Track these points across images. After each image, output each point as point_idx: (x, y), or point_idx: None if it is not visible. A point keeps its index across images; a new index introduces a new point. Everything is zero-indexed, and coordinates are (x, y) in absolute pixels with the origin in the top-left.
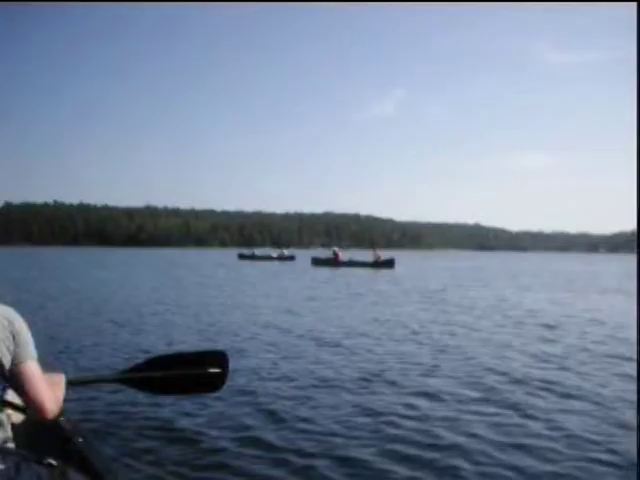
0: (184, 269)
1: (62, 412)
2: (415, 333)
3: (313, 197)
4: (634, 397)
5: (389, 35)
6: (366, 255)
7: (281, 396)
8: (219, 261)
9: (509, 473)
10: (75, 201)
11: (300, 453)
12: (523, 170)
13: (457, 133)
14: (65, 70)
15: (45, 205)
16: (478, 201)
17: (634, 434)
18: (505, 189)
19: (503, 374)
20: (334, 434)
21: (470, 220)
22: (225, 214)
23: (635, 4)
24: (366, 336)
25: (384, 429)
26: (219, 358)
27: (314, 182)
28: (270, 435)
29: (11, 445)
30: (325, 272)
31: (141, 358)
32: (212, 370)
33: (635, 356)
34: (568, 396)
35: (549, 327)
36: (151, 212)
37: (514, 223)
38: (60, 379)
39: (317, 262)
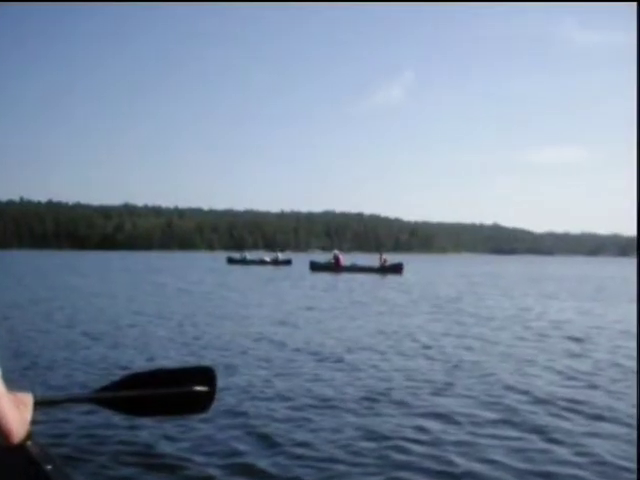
0: (166, 275)
1: (29, 435)
2: (426, 347)
3: (311, 194)
4: None
5: (395, 13)
6: (371, 259)
7: (275, 418)
8: (206, 266)
9: None
10: (44, 199)
11: None
12: (548, 165)
13: (474, 123)
14: (29, 56)
15: (10, 203)
16: (497, 199)
17: None
18: (527, 186)
19: (524, 393)
20: (335, 460)
21: (487, 220)
22: (213, 213)
23: (635, 4)
24: (370, 350)
25: (391, 455)
26: (206, 375)
27: (312, 178)
28: (263, 462)
29: None
30: (325, 278)
31: (118, 375)
32: (198, 388)
33: None
34: (598, 418)
35: (576, 340)
36: (129, 211)
37: (537, 224)
38: (27, 399)
39: (316, 267)
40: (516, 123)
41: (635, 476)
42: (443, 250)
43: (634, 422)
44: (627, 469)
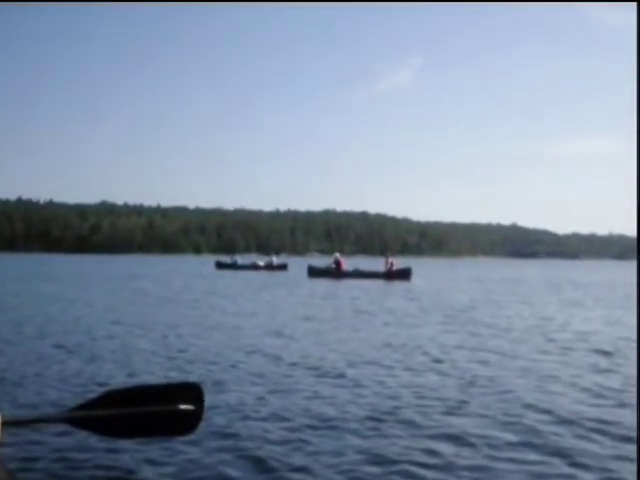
0: (148, 281)
1: None
2: (437, 361)
3: (310, 191)
4: None
5: None
6: (376, 263)
7: (270, 439)
8: (192, 271)
9: None
10: (12, 196)
11: None
12: (574, 158)
13: (491, 112)
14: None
15: None
16: (516, 197)
17: None
18: (550, 182)
19: (547, 412)
20: None
21: (506, 220)
22: (199, 212)
23: (635, 4)
24: (376, 365)
25: None
26: (192, 392)
27: (311, 173)
28: None
29: None
30: (324, 285)
31: (95, 392)
32: (184, 407)
33: None
34: (628, 440)
35: (604, 353)
36: (107, 210)
37: (560, 224)
38: None
39: (315, 272)
40: (539, 111)
41: (635, 477)
42: (456, 253)
43: None
44: None
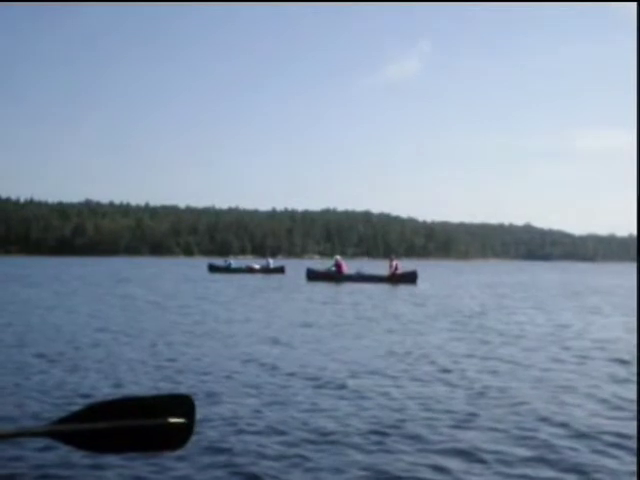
0: (136, 285)
1: None
2: (445, 371)
3: (308, 189)
4: None
5: None
6: (379, 266)
7: (265, 455)
8: (183, 274)
9: None
10: None
11: None
12: (591, 154)
13: (503, 102)
14: None
15: None
16: (530, 195)
17: None
18: (566, 179)
19: (562, 425)
20: None
21: (518, 220)
22: (191, 211)
23: (635, 4)
24: (379, 375)
25: None
26: (183, 404)
27: (310, 169)
28: None
29: None
30: (324, 289)
31: (78, 404)
32: (173, 420)
33: None
34: None
35: (624, 363)
36: (91, 209)
37: (577, 224)
38: None
39: (314, 276)
40: (558, 101)
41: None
42: (465, 255)
43: None
44: None
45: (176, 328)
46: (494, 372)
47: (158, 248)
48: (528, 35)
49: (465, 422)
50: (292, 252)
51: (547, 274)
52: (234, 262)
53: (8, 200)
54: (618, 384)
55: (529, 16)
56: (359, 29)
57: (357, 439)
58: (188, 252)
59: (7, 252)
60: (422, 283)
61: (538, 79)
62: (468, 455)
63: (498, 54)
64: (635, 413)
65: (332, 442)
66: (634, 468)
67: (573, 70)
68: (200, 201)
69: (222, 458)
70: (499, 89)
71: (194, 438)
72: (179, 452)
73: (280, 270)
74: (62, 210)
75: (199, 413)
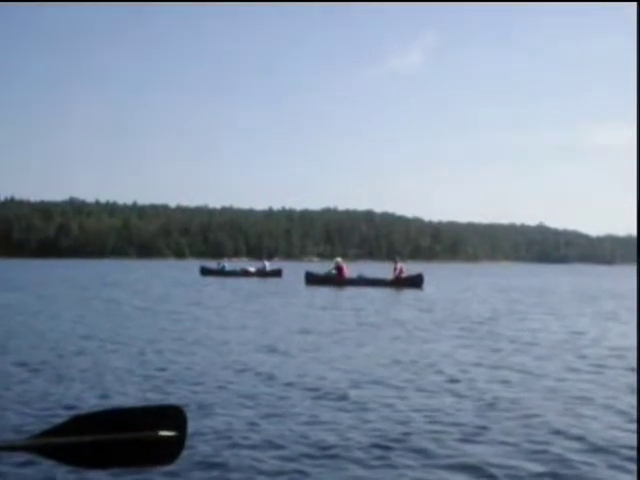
0: (123, 289)
1: None
2: (452, 381)
3: (307, 188)
4: None
5: None
6: (383, 269)
7: (262, 470)
8: (173, 277)
9: None
10: None
11: None
12: (609, 150)
13: (515, 95)
14: None
15: None
16: (543, 194)
17: None
18: (582, 177)
19: (577, 439)
20: None
21: (531, 220)
22: (182, 211)
23: (635, 4)
24: (383, 385)
25: None
26: (173, 416)
27: (308, 166)
28: None
29: None
30: (324, 293)
31: (62, 417)
32: (164, 433)
33: None
34: None
35: None
36: (76, 208)
37: (593, 224)
38: None
39: (313, 279)
40: (571, 95)
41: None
42: (474, 258)
43: None
44: None
45: (166, 335)
46: (505, 382)
47: (147, 250)
48: (540, 26)
49: (474, 435)
50: (290, 254)
51: (561, 277)
52: (228, 265)
53: None
54: (637, 395)
55: (540, 6)
56: (358, 19)
57: (359, 453)
58: (179, 254)
59: None
60: (428, 287)
61: (551, 71)
62: (477, 470)
63: (507, 46)
64: None
65: (332, 456)
66: None
67: (589, 62)
68: (192, 200)
69: (215, 474)
70: (509, 82)
71: (185, 452)
72: (170, 467)
73: (277, 273)
74: (45, 209)
75: (191, 426)
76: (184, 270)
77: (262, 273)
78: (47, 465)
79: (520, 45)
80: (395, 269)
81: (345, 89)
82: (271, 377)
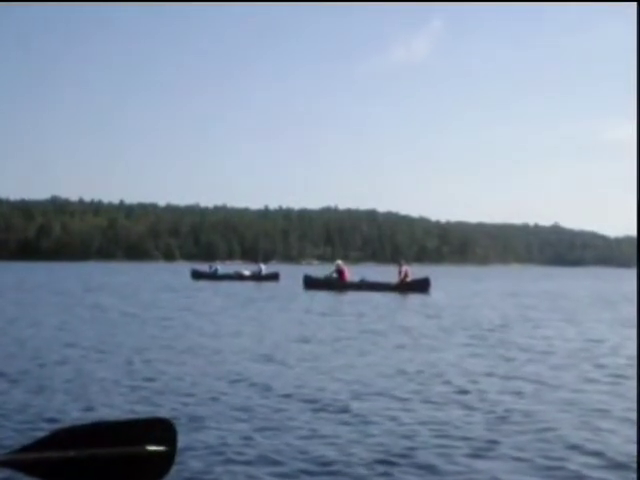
0: (109, 294)
1: None
2: (461, 392)
3: (306, 185)
4: None
5: None
6: (386, 272)
7: None
8: (163, 281)
9: None
10: None
11: None
12: (626, 145)
13: (529, 87)
14: None
15: None
16: (558, 192)
17: None
18: (599, 174)
19: (595, 454)
20: None
21: (545, 220)
22: (171, 210)
23: (635, 4)
24: (386, 396)
25: None
26: (162, 429)
27: (307, 162)
28: None
29: None
30: (324, 298)
31: (44, 430)
32: (152, 448)
33: None
34: None
35: None
36: (58, 208)
37: (612, 225)
38: None
39: (312, 283)
40: (587, 86)
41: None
42: (485, 260)
43: None
44: None
45: (155, 343)
46: (517, 393)
47: (134, 252)
48: (555, 15)
49: (484, 450)
50: (287, 256)
51: (578, 281)
52: (221, 268)
53: None
54: (637, 402)
55: None
56: (357, 6)
57: (361, 470)
58: (168, 256)
59: None
60: (435, 292)
61: (568, 62)
62: None
63: (519, 34)
64: None
65: (333, 473)
66: None
67: (610, 52)
68: (182, 198)
69: None
70: (521, 73)
71: (175, 468)
72: None
73: (273, 277)
74: (25, 208)
75: (181, 440)
76: (174, 274)
77: (257, 277)
78: None
79: (534, 34)
80: (400, 272)
81: (345, 81)
82: (267, 388)
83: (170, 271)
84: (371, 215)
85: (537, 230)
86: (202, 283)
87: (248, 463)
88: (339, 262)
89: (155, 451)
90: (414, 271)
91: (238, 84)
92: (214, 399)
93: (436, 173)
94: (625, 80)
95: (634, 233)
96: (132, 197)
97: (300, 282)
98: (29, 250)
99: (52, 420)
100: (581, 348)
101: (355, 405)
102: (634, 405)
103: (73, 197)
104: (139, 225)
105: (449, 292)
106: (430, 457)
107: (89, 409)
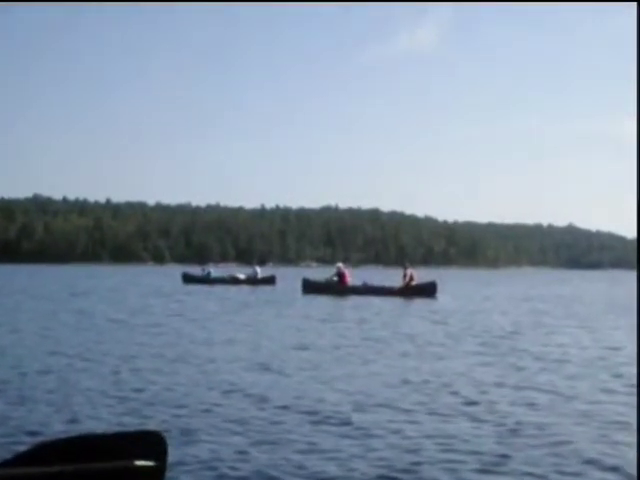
0: (95, 299)
1: None
2: (470, 403)
3: (305, 183)
4: None
5: None
6: (390, 276)
7: None
8: (152, 285)
9: None
10: None
11: None
12: None
13: (542, 81)
14: None
15: None
16: (573, 190)
17: None
18: (618, 170)
19: (613, 470)
20: None
21: (560, 220)
22: (161, 210)
23: (635, 4)
24: (390, 408)
25: None
26: (152, 443)
27: (306, 158)
28: None
29: None
30: (324, 303)
31: (25, 444)
32: (141, 463)
33: None
34: None
35: None
36: (41, 207)
37: (630, 225)
38: None
39: (311, 287)
40: (604, 77)
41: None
42: (495, 263)
43: None
44: None
45: (144, 351)
46: (530, 404)
47: (121, 254)
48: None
49: (494, 465)
50: (285, 259)
51: (594, 285)
52: (214, 271)
53: None
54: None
55: None
56: None
57: None
58: (158, 259)
59: None
60: (442, 296)
61: (584, 51)
62: None
63: (533, 20)
64: None
65: None
66: None
67: (622, 39)
68: (173, 197)
69: None
70: (533, 63)
71: None
72: None
73: (270, 281)
74: (5, 208)
75: (172, 454)
76: (164, 277)
77: (253, 280)
78: None
79: (548, 20)
80: (404, 276)
81: (346, 72)
82: (263, 399)
83: (160, 274)
84: (374, 215)
85: (551, 231)
86: (194, 287)
87: (243, 479)
88: (340, 265)
89: (144, 466)
90: (420, 274)
91: (231, 78)
92: (207, 411)
93: (443, 170)
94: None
95: None
96: (119, 196)
97: (298, 286)
98: (10, 252)
99: (34, 433)
100: (598, 356)
101: (357, 417)
102: None
103: (56, 195)
104: (127, 225)
105: (457, 297)
106: (436, 473)
107: (74, 421)
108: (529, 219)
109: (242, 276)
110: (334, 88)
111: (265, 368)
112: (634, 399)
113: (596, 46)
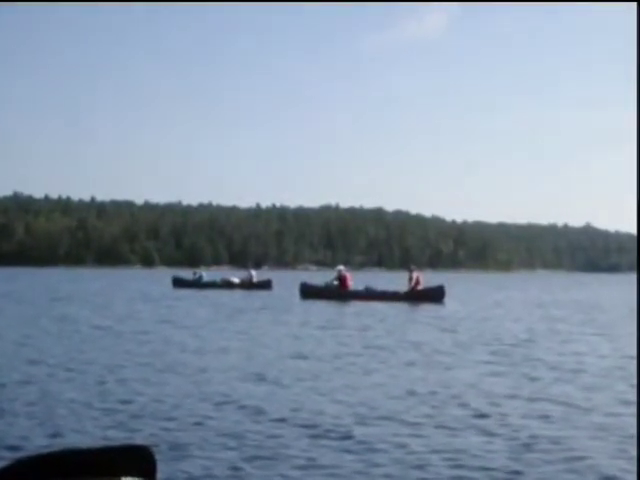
0: (78, 304)
1: None
2: (480, 415)
3: (303, 181)
4: None
5: None
6: (395, 280)
7: None
8: (140, 290)
9: None
10: None
11: None
12: None
13: (556, 69)
14: None
15: None
16: (591, 188)
17: None
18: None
19: None
20: None
21: (576, 221)
22: (150, 209)
23: (635, 4)
24: (394, 421)
25: None
26: (140, 458)
27: (304, 154)
28: None
29: None
30: (324, 309)
31: (5, 459)
32: (128, 479)
33: None
34: None
35: None
36: (22, 206)
37: None
38: None
39: (310, 292)
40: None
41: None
42: (506, 266)
43: None
44: None
45: (131, 360)
46: (544, 417)
47: (107, 256)
48: None
49: None
50: (281, 262)
51: (613, 290)
52: (206, 275)
53: None
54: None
55: None
56: None
57: None
58: (146, 262)
59: None
60: (451, 302)
61: (600, 38)
62: None
63: (547, 9)
64: None
65: None
66: None
67: None
68: (162, 195)
69: None
70: (548, 51)
71: None
72: None
73: (266, 285)
74: None
75: (161, 470)
76: (153, 281)
77: (248, 285)
78: None
79: (567, 10)
80: (410, 279)
81: (348, 60)
82: (259, 411)
83: (148, 278)
84: (377, 214)
85: (567, 231)
86: (185, 292)
87: None
88: (341, 268)
89: None
90: (427, 278)
91: (224, 69)
92: (198, 424)
93: (451, 167)
94: None
95: None
96: (105, 194)
97: (296, 291)
98: None
99: (13, 448)
100: (616, 366)
101: (358, 431)
102: None
103: (38, 194)
104: (113, 226)
105: (466, 302)
106: None
107: (56, 435)
108: (543, 219)
109: (236, 280)
110: (333, 81)
111: (260, 378)
112: None
113: (622, 27)
